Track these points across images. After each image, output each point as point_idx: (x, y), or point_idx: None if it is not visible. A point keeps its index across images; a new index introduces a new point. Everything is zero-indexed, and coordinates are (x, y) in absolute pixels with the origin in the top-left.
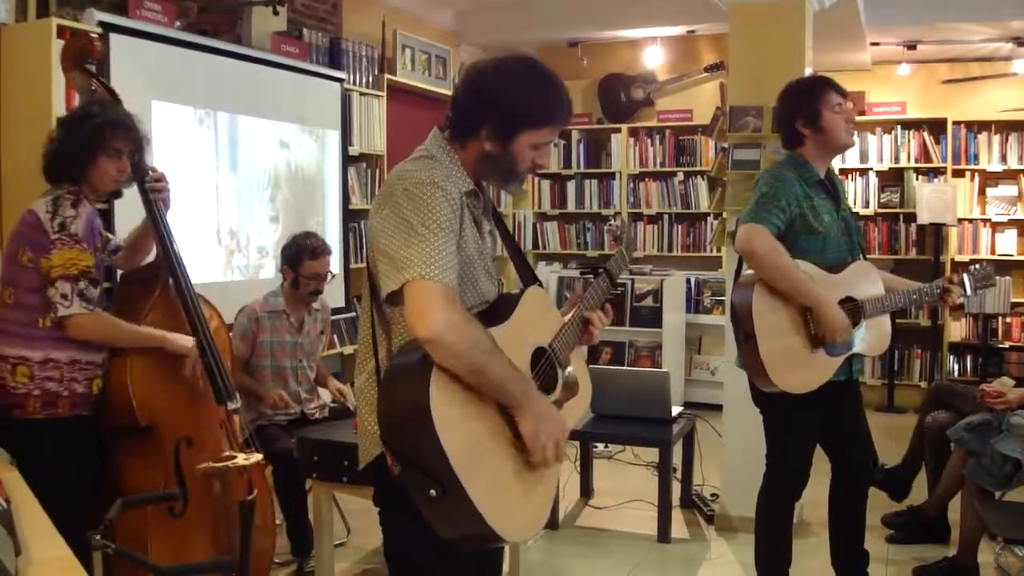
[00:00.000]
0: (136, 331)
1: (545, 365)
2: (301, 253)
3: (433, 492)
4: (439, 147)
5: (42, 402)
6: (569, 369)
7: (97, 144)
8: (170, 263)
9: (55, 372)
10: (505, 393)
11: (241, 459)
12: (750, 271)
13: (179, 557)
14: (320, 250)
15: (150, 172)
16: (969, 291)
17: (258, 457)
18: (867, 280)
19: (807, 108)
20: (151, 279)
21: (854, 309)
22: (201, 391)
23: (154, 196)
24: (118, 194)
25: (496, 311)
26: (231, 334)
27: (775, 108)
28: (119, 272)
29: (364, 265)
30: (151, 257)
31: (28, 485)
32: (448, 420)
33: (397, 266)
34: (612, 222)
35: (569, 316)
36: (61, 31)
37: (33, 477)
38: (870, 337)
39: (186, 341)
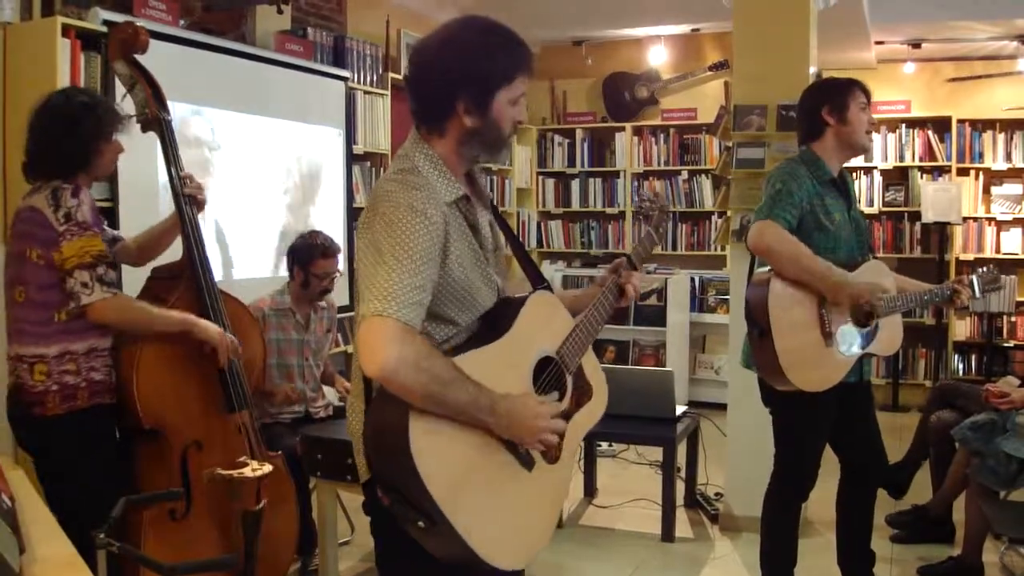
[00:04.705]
0: (163, 313)
1: (551, 374)
2: (312, 252)
3: (422, 524)
4: (420, 152)
5: (61, 396)
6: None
7: (101, 135)
8: (195, 269)
9: (71, 365)
10: (470, 417)
11: (248, 470)
12: (763, 268)
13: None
14: (330, 248)
15: (188, 182)
16: (978, 293)
17: (267, 469)
18: (880, 279)
19: (836, 99)
20: (176, 276)
21: (868, 308)
22: (216, 393)
23: (190, 196)
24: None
25: (495, 323)
26: None
27: (799, 101)
28: (150, 267)
29: None
30: (176, 255)
31: (53, 483)
32: (429, 451)
33: (361, 299)
34: (643, 195)
35: (580, 318)
36: (66, 30)
37: (59, 475)
38: (883, 337)
39: (214, 329)
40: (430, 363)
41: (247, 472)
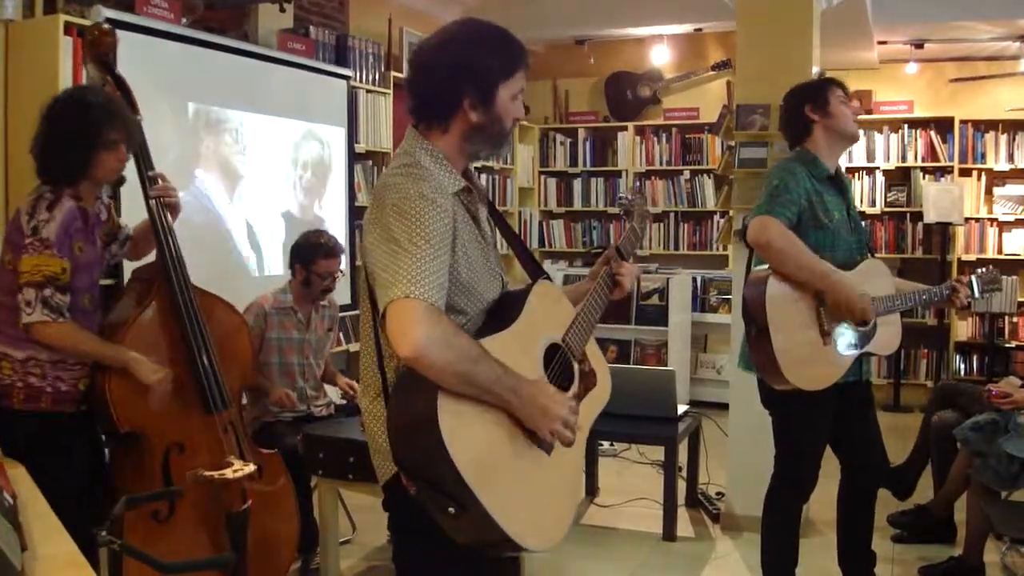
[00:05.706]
0: (101, 348)
1: (559, 361)
2: (315, 252)
3: (451, 509)
4: (420, 148)
5: (25, 395)
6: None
7: (93, 139)
8: (167, 272)
9: (36, 370)
10: (496, 396)
11: (230, 471)
12: (761, 266)
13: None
14: (334, 249)
15: (159, 182)
16: (977, 293)
17: (250, 469)
18: (879, 278)
19: (816, 96)
20: (151, 279)
21: (857, 320)
22: (195, 395)
23: (158, 201)
24: (121, 181)
25: (502, 314)
26: None
27: (781, 108)
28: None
29: None
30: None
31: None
32: (458, 434)
33: (384, 285)
34: (623, 194)
35: (581, 306)
36: (68, 27)
37: (26, 467)
38: (881, 336)
39: (152, 374)
40: (458, 340)
41: (228, 473)
